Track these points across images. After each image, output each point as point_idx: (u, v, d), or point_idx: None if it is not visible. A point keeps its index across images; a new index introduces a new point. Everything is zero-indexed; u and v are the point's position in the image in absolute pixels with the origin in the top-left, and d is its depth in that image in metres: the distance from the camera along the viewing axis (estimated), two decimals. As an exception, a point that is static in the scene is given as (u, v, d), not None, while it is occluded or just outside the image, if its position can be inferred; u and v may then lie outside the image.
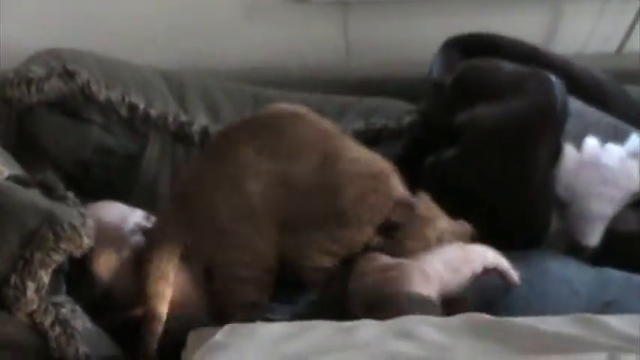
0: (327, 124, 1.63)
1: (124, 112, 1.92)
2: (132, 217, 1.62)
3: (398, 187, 1.60)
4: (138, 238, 1.59)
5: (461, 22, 2.08)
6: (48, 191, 1.53)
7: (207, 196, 1.57)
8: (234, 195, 1.55)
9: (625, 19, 2.30)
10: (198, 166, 1.66)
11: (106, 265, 1.56)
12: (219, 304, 1.58)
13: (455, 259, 1.50)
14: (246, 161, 1.55)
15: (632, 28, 2.29)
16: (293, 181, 1.55)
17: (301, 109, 1.64)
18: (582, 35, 2.31)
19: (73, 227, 1.45)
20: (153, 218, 1.63)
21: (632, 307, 1.46)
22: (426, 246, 1.54)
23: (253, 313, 1.53)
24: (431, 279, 1.44)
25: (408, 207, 1.57)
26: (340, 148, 1.60)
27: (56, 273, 1.45)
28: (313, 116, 1.63)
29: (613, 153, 1.71)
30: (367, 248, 1.56)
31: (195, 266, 1.59)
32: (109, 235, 1.57)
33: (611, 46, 2.32)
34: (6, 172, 1.63)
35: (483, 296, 1.51)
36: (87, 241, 1.46)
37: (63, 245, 1.43)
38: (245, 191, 1.54)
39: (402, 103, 2.06)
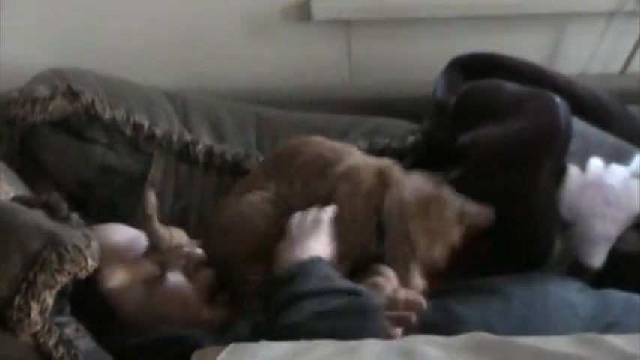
0: (334, 147, 1.74)
1: (128, 131, 1.91)
2: (139, 237, 1.63)
3: (397, 186, 1.66)
4: (146, 259, 1.60)
5: (464, 42, 2.09)
6: (52, 212, 1.53)
7: (218, 206, 1.76)
8: (237, 201, 1.70)
9: (629, 39, 2.29)
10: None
11: (114, 285, 1.57)
12: (233, 291, 1.64)
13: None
14: (253, 179, 1.74)
15: (635, 48, 2.29)
16: (289, 202, 1.67)
17: (314, 138, 1.77)
18: (586, 55, 2.31)
19: (78, 249, 1.45)
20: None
21: (634, 328, 1.46)
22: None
23: (263, 292, 1.55)
24: None
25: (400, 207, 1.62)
26: (337, 166, 1.69)
27: (60, 294, 1.45)
28: (323, 141, 1.75)
29: (617, 174, 1.71)
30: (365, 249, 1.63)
31: (202, 282, 1.64)
32: (117, 256, 1.58)
33: (615, 66, 2.32)
34: (11, 193, 1.63)
35: (484, 317, 1.51)
36: (91, 263, 1.46)
37: (67, 267, 1.43)
38: (246, 200, 1.68)
39: (406, 122, 2.05)
